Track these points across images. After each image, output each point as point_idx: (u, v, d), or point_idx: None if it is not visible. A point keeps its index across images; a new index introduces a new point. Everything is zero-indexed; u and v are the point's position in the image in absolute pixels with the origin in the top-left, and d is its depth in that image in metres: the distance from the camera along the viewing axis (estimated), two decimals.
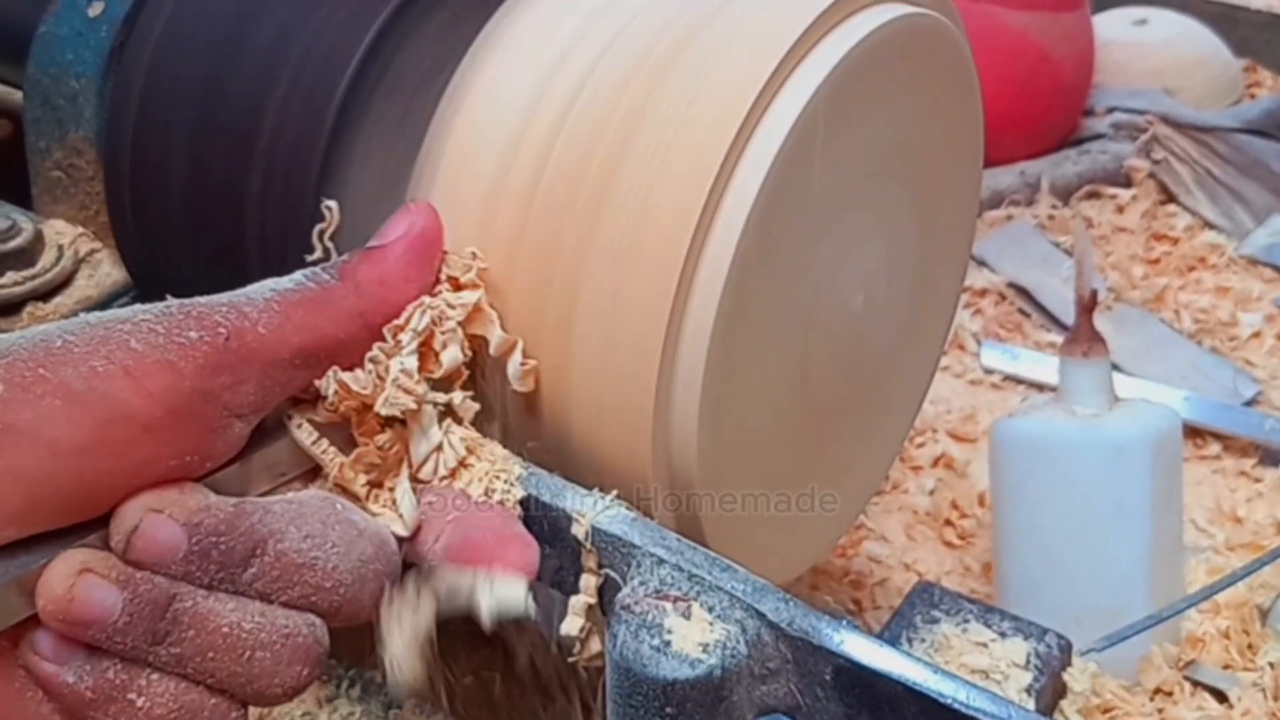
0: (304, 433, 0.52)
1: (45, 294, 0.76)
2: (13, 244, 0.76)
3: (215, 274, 0.67)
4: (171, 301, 0.48)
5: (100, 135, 0.74)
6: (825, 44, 0.59)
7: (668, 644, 0.49)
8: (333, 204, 0.58)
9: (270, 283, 0.50)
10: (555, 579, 0.56)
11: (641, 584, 0.52)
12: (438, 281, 0.56)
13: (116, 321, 0.46)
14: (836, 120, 0.60)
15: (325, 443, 0.52)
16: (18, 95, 0.80)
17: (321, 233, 0.57)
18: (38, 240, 0.77)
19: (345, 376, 0.51)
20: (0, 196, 0.81)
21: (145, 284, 0.74)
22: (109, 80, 0.74)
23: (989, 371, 1.31)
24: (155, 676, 0.46)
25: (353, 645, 0.82)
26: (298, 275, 0.51)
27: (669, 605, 0.51)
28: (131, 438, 0.45)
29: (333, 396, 0.51)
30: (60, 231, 0.78)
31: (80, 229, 0.79)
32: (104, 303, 0.77)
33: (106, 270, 0.78)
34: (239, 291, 0.49)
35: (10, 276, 0.75)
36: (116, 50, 0.74)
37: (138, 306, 0.47)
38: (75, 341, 0.45)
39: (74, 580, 0.44)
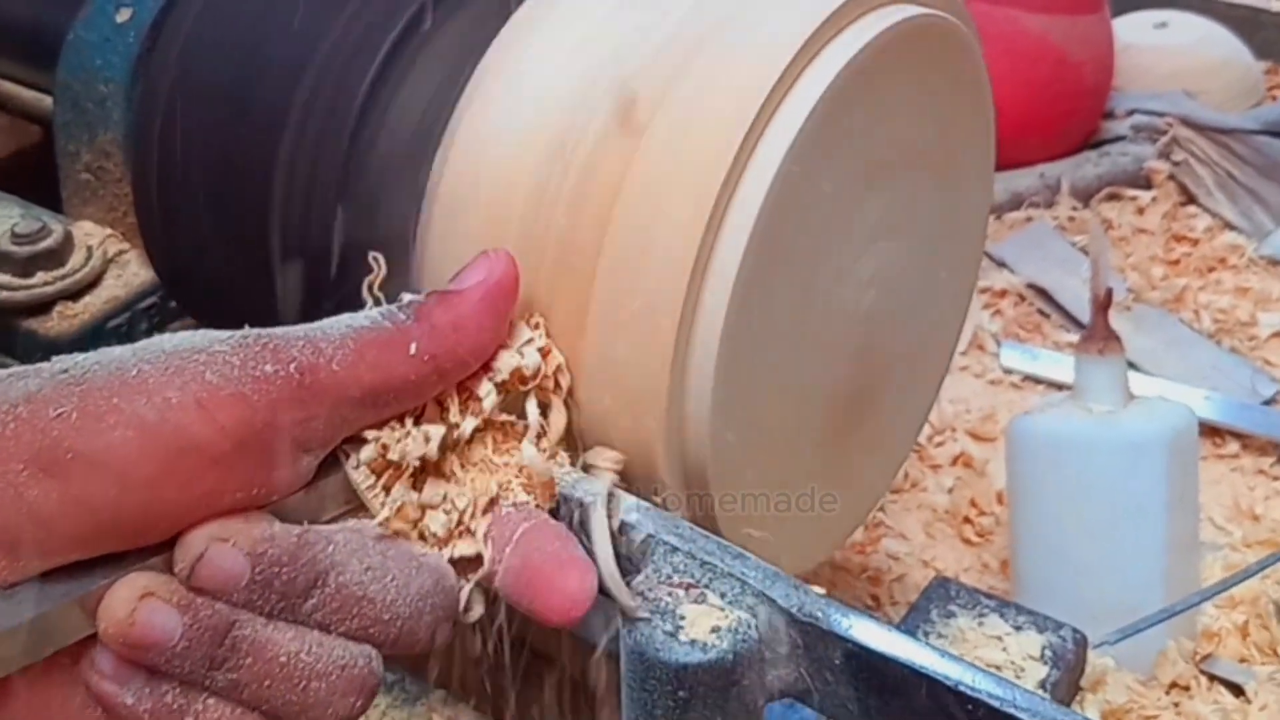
0: (360, 474, 0.51)
1: (75, 294, 0.78)
2: (43, 245, 0.77)
3: (240, 275, 0.68)
4: (249, 331, 0.48)
5: (128, 138, 0.76)
6: (836, 44, 0.60)
7: (680, 629, 0.50)
8: (379, 256, 0.56)
9: (346, 318, 0.50)
10: None
11: (655, 571, 0.53)
12: (511, 329, 0.56)
13: (192, 351, 0.46)
14: (847, 120, 0.61)
15: (379, 486, 0.52)
16: (48, 101, 0.82)
17: (370, 284, 0.55)
18: (67, 241, 0.78)
19: (387, 438, 0.52)
20: (31, 199, 0.83)
21: (172, 284, 0.76)
22: (136, 84, 0.75)
23: (1008, 371, 1.32)
24: (212, 701, 0.46)
25: None
26: (373, 312, 0.51)
27: (682, 592, 0.52)
28: (200, 470, 0.45)
29: (372, 453, 0.52)
30: (89, 233, 0.80)
31: (109, 230, 0.80)
32: (132, 302, 0.79)
33: (134, 270, 0.79)
34: (315, 325, 0.49)
35: (41, 276, 0.77)
36: (144, 55, 0.75)
37: (213, 334, 0.48)
38: (150, 371, 0.45)
39: (135, 605, 0.44)
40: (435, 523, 0.52)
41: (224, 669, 0.46)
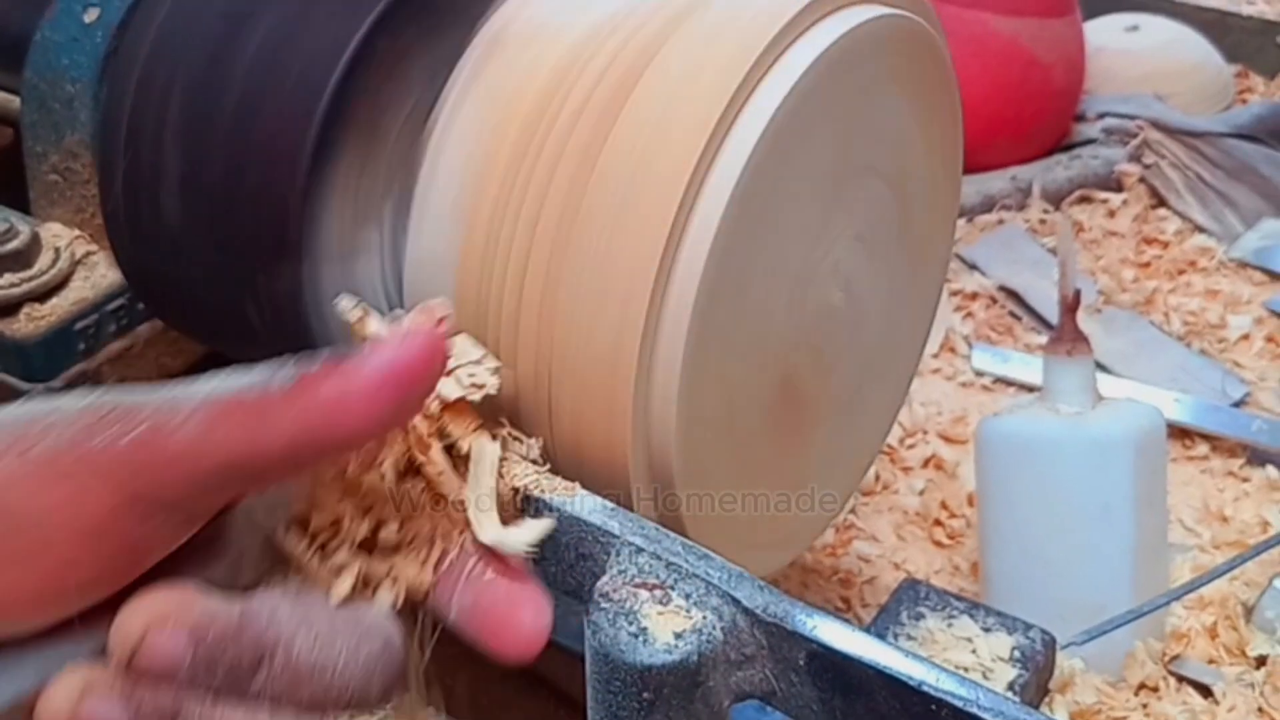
0: (291, 541, 0.50)
1: (42, 295, 0.77)
2: (10, 246, 0.77)
3: (206, 275, 0.68)
4: (99, 395, 0.45)
5: (95, 139, 0.75)
6: (802, 42, 0.61)
7: (645, 630, 0.50)
8: (349, 301, 0.53)
9: (216, 381, 0.46)
10: (537, 568, 0.56)
11: (620, 572, 0.53)
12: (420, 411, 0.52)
13: (31, 421, 0.44)
14: (813, 118, 0.61)
15: (313, 550, 0.51)
16: (17, 102, 0.82)
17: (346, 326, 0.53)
18: (35, 242, 0.78)
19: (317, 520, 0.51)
20: (0, 201, 0.82)
21: (139, 286, 0.76)
22: (103, 85, 0.75)
23: (980, 374, 1.32)
24: None
25: None
26: (245, 379, 0.46)
27: (646, 593, 0.52)
28: (40, 546, 0.43)
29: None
30: (57, 234, 0.80)
31: (77, 231, 0.80)
32: (100, 304, 0.78)
33: (103, 272, 0.79)
34: (175, 390, 0.45)
35: (8, 278, 0.77)
36: (111, 55, 0.75)
37: (60, 401, 0.45)
38: None
39: (76, 703, 0.43)
40: (383, 592, 0.51)
41: None
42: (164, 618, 0.43)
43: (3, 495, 0.43)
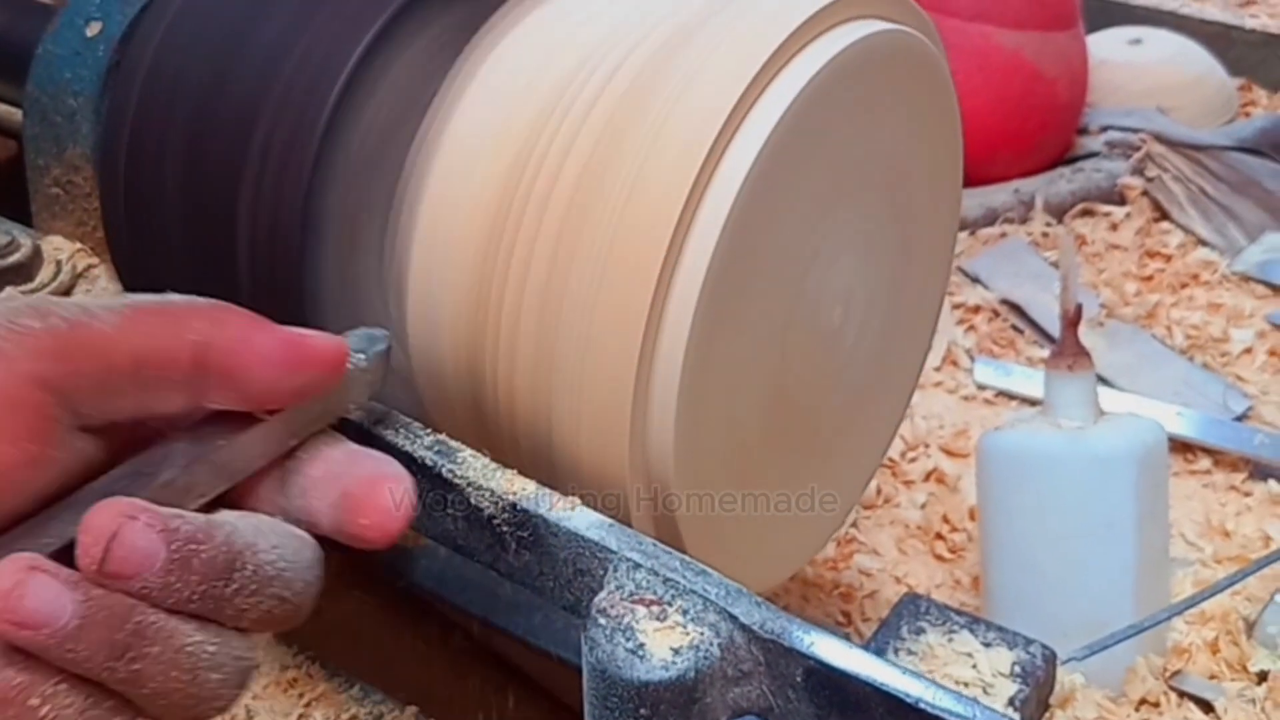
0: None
1: None
2: (12, 259, 0.77)
3: (207, 288, 0.68)
4: (16, 298, 0.47)
5: (97, 152, 0.75)
6: (801, 58, 0.61)
7: (642, 647, 0.50)
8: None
9: (130, 295, 0.49)
10: (536, 583, 0.57)
11: (618, 588, 0.53)
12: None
13: None
14: (813, 134, 0.62)
15: None
16: (20, 115, 0.82)
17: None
18: (36, 255, 0.78)
19: None
20: (2, 213, 0.83)
21: None
22: (105, 98, 0.75)
23: (982, 387, 1.32)
24: (64, 687, 0.43)
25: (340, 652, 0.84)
26: (173, 296, 0.49)
27: (644, 609, 0.52)
28: None
29: None
30: (59, 247, 0.80)
31: (78, 244, 0.80)
32: None
33: (104, 285, 0.79)
34: (98, 298, 0.48)
35: (9, 291, 0.77)
36: (113, 69, 0.75)
37: None
38: None
39: (22, 577, 0.42)
40: None
41: (126, 658, 0.43)
42: (135, 516, 0.43)
43: None
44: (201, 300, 0.49)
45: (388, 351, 0.55)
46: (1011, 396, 1.31)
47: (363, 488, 0.50)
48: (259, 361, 0.49)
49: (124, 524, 0.43)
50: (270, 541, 0.47)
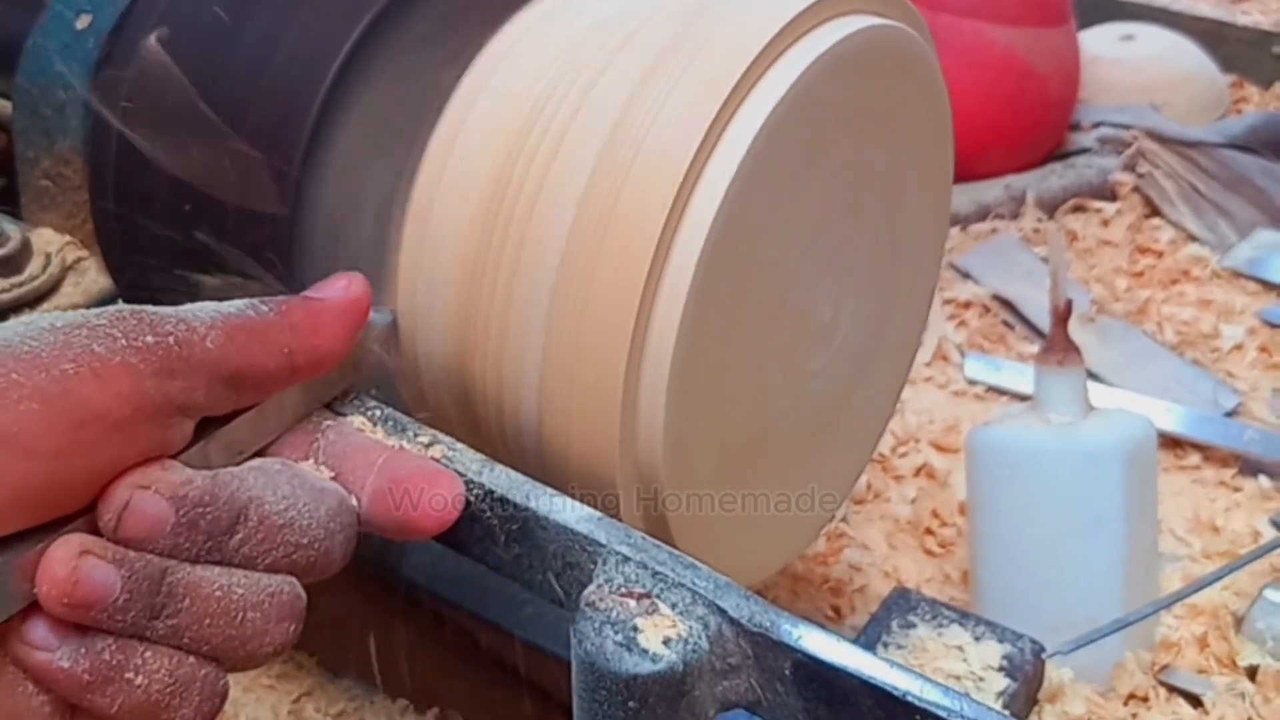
0: None
1: (32, 301, 0.77)
2: (1, 252, 0.77)
3: (195, 281, 0.68)
4: (121, 307, 0.49)
5: (86, 145, 0.75)
6: (792, 53, 0.61)
7: (631, 640, 0.50)
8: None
9: (213, 306, 0.51)
10: (525, 576, 0.57)
11: (606, 581, 0.53)
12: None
13: (71, 327, 0.47)
14: (802, 131, 0.62)
15: None
16: (9, 108, 0.82)
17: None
18: (25, 248, 0.78)
19: None
20: None
21: (129, 291, 0.76)
22: (95, 91, 0.75)
23: (972, 383, 1.32)
24: (149, 654, 0.47)
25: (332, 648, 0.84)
26: (239, 303, 0.52)
27: (633, 602, 0.52)
28: (102, 437, 0.46)
29: None
30: (48, 240, 0.79)
31: (67, 237, 0.80)
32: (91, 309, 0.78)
33: (93, 278, 0.79)
34: (184, 308, 0.50)
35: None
36: (102, 62, 0.75)
37: (85, 312, 0.48)
38: (39, 346, 0.46)
39: (75, 562, 0.45)
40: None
41: (164, 616, 0.47)
42: (147, 484, 0.47)
43: (76, 388, 0.45)
44: (277, 304, 0.53)
45: (394, 323, 0.59)
46: (1002, 392, 1.31)
47: (418, 478, 0.54)
48: (333, 345, 0.54)
49: (135, 494, 0.47)
50: (281, 493, 0.50)
